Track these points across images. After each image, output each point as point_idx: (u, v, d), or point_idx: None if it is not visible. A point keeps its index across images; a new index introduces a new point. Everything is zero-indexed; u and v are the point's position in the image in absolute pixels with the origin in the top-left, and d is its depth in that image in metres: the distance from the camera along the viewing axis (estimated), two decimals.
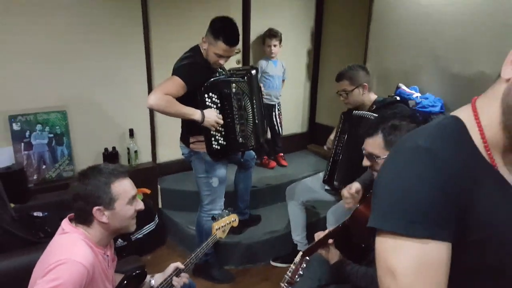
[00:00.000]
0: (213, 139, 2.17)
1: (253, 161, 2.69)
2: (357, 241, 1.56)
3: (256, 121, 2.23)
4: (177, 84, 2.01)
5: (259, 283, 2.54)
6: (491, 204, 0.67)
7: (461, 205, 0.65)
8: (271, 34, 3.32)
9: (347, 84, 2.25)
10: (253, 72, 2.24)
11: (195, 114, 2.04)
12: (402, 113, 1.56)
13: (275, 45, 3.32)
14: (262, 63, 3.37)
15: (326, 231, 1.55)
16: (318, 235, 1.55)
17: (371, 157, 1.50)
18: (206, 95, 2.11)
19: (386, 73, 2.90)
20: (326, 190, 2.50)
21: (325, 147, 2.59)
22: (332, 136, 2.49)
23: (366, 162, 1.54)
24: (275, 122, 3.50)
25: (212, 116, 2.08)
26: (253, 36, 3.48)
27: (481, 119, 0.70)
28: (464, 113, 0.72)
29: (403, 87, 2.61)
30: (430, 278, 0.64)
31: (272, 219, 2.97)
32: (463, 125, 0.71)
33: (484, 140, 0.69)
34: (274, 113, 3.49)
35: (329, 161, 2.36)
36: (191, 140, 2.24)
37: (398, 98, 2.36)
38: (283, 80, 3.51)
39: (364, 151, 1.54)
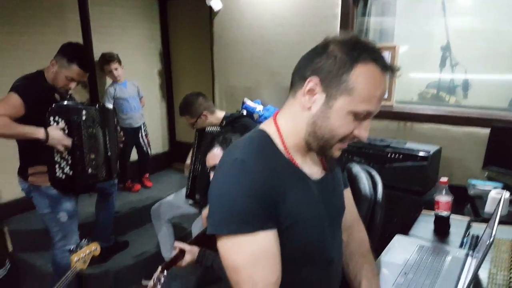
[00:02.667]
0: (57, 166, 2.04)
1: (113, 187, 2.67)
2: (214, 244, 1.72)
3: (109, 153, 2.20)
4: (14, 102, 1.89)
5: None
6: (296, 195, 0.88)
7: (274, 200, 0.83)
8: (107, 59, 3.29)
9: (189, 118, 2.49)
10: (109, 106, 2.26)
11: (37, 132, 1.92)
12: (229, 129, 1.83)
13: (116, 69, 3.30)
14: (110, 90, 3.34)
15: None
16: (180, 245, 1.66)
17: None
18: (51, 118, 1.99)
19: (232, 90, 3.23)
20: (190, 204, 2.65)
21: (184, 174, 2.74)
22: (188, 161, 2.66)
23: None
24: (142, 144, 3.52)
25: (57, 134, 1.96)
26: (96, 59, 3.40)
27: (281, 131, 0.92)
28: (269, 127, 0.94)
29: (248, 101, 2.98)
30: (267, 263, 0.82)
31: (140, 242, 2.98)
32: (268, 136, 0.92)
33: (284, 146, 0.91)
34: (140, 134, 3.49)
35: (189, 177, 2.54)
36: (30, 171, 2.09)
37: (244, 112, 2.69)
38: (141, 98, 3.54)
39: (209, 168, 1.74)
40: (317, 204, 0.93)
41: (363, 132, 0.87)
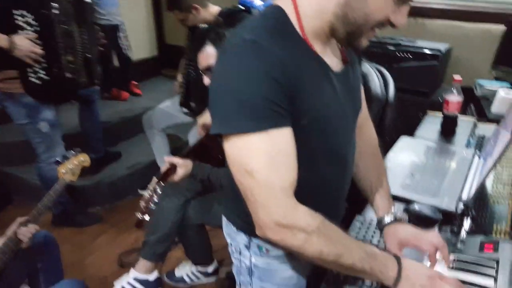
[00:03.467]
0: (30, 70, 1.84)
1: (95, 94, 2.56)
2: (215, 154, 1.68)
3: (88, 54, 2.01)
4: None
5: (130, 216, 2.60)
6: (317, 88, 0.77)
7: (291, 90, 0.71)
8: None
9: (178, 13, 2.24)
10: None
11: None
12: (223, 22, 1.66)
13: None
14: None
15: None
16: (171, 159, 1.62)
17: (210, 71, 1.59)
18: (15, 12, 1.76)
19: None
20: (184, 113, 2.58)
21: (175, 86, 2.60)
22: (179, 78, 2.49)
23: (207, 80, 1.60)
24: (121, 46, 3.28)
25: (25, 43, 1.77)
26: None
27: (300, 10, 0.75)
28: (285, 3, 0.76)
29: None
30: (283, 164, 0.73)
31: (133, 152, 2.97)
32: (285, 14, 0.75)
33: (302, 29, 0.75)
34: (118, 35, 3.25)
35: (183, 83, 2.42)
36: None
37: (241, 7, 2.46)
38: None
39: (202, 71, 1.61)
40: (338, 100, 0.84)
41: (401, 18, 0.74)
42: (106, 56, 3.16)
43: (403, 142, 1.53)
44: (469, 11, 2.32)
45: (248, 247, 0.98)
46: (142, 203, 1.42)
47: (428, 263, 0.87)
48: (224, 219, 1.07)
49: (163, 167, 1.55)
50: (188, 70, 2.39)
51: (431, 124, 1.70)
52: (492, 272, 0.83)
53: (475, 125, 1.68)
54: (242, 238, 0.98)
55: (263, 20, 0.76)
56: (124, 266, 2.09)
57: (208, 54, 1.53)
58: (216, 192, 1.69)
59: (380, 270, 0.75)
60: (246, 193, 0.75)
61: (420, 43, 2.20)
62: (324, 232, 0.74)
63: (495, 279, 0.81)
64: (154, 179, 1.47)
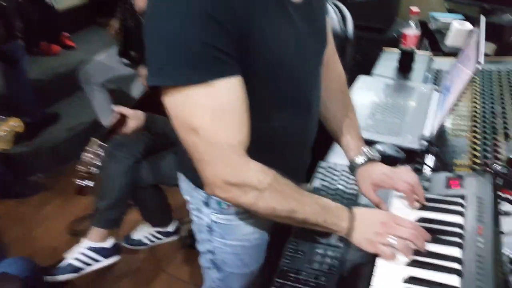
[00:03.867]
0: None
1: (19, 50, 2.27)
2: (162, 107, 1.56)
3: (3, 2, 1.77)
4: None
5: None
6: (269, 24, 0.67)
7: (238, 32, 0.62)
8: None
9: None
10: None
11: None
12: None
13: None
14: None
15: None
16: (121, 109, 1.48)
17: None
18: None
19: None
20: (125, 64, 2.38)
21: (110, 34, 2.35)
22: (113, 23, 2.25)
23: None
24: None
25: None
26: None
27: None
28: None
29: None
30: (231, 119, 0.66)
31: (73, 112, 2.75)
32: None
33: None
34: None
35: (120, 29, 2.18)
36: None
37: None
38: None
39: (139, 13, 1.44)
40: (299, 37, 0.74)
41: None
42: (24, 7, 2.83)
43: (362, 81, 1.48)
44: None
45: (207, 203, 0.93)
46: (82, 168, 1.31)
47: (405, 203, 0.85)
48: (180, 176, 1.00)
49: (112, 118, 1.42)
50: (124, 14, 2.16)
51: (388, 61, 1.66)
52: (459, 208, 0.82)
53: (431, 60, 1.66)
54: (200, 194, 0.93)
55: None
56: (77, 235, 1.98)
57: None
58: (172, 148, 1.59)
59: (333, 222, 0.74)
60: (191, 150, 0.68)
61: None
62: (276, 188, 0.71)
63: (463, 215, 0.80)
64: (93, 140, 1.34)
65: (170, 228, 1.87)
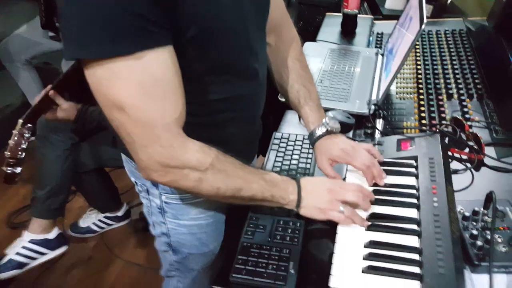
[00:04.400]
0: None
1: None
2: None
3: None
4: None
5: None
6: None
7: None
8: None
9: None
10: None
11: None
12: None
13: None
14: None
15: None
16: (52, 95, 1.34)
17: None
18: None
19: None
20: (51, 37, 2.16)
21: None
22: None
23: None
24: None
25: None
26: None
27: None
28: None
29: None
30: (162, 93, 0.59)
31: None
32: None
33: None
34: None
35: None
36: None
37: None
38: None
39: None
40: (238, 0, 0.68)
41: None
42: None
43: (306, 48, 1.46)
44: None
45: (155, 184, 0.86)
46: (8, 153, 1.19)
47: (360, 177, 0.84)
48: (123, 157, 0.92)
49: (38, 97, 1.29)
50: None
51: (331, 26, 1.65)
52: (413, 170, 0.84)
53: (372, 23, 1.67)
54: None
55: None
56: (17, 228, 1.83)
57: None
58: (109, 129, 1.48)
59: (281, 196, 0.73)
60: (120, 131, 0.61)
61: None
62: (219, 168, 0.67)
63: (417, 177, 0.81)
64: (19, 122, 1.21)
65: (120, 212, 1.78)
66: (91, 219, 1.76)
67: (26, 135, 1.17)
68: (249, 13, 0.71)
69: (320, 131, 0.86)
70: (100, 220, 1.76)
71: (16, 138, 1.15)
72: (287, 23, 0.94)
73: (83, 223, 1.77)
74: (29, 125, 1.19)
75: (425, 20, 0.95)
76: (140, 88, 0.57)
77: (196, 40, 0.62)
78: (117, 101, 0.57)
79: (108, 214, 1.76)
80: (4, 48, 2.16)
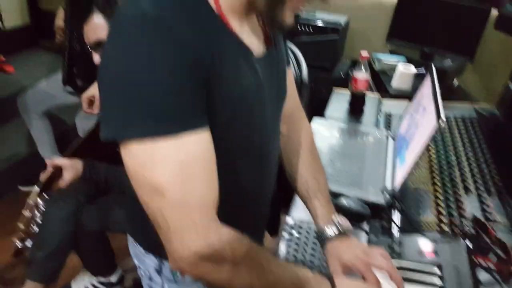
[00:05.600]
0: None
1: None
2: (111, 148, 1.35)
3: None
4: None
5: (11, 219, 2.12)
6: (236, 75, 0.59)
7: (205, 81, 0.54)
8: None
9: None
10: None
11: None
12: None
13: None
14: None
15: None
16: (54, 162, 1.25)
17: (100, 47, 1.24)
18: None
19: None
20: (69, 92, 2.12)
21: (57, 39, 2.10)
22: (59, 22, 2.01)
23: (97, 58, 1.27)
24: None
25: None
26: None
27: None
28: None
29: None
30: (200, 177, 0.54)
31: (10, 142, 2.40)
32: None
33: (218, 8, 0.58)
34: None
35: (64, 56, 1.94)
36: None
37: None
38: None
39: (90, 47, 1.26)
40: (260, 87, 0.65)
41: None
42: None
43: (316, 124, 1.39)
44: None
45: (159, 271, 0.79)
46: (22, 226, 1.08)
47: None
48: (129, 238, 0.84)
49: (45, 173, 1.19)
50: (70, 41, 1.92)
51: (339, 103, 1.60)
52: (437, 281, 0.73)
53: (380, 102, 1.62)
54: (151, 260, 0.78)
55: None
56: (7, 285, 1.67)
57: (97, 26, 1.20)
58: (115, 194, 1.37)
59: None
60: (155, 216, 0.54)
61: (318, 15, 2.07)
62: (253, 261, 0.59)
63: None
64: (35, 190, 1.12)
65: (113, 278, 1.62)
66: (84, 282, 1.60)
67: (42, 207, 1.06)
68: (269, 101, 0.69)
69: (331, 231, 0.76)
70: (92, 284, 1.60)
71: (31, 210, 1.04)
72: (299, 114, 0.91)
73: (75, 285, 1.61)
74: (45, 195, 1.09)
75: (443, 118, 0.89)
76: (181, 169, 0.53)
77: (221, 122, 0.59)
78: (157, 184, 0.52)
79: (101, 279, 1.60)
80: (24, 100, 2.12)
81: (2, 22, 2.75)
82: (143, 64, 0.50)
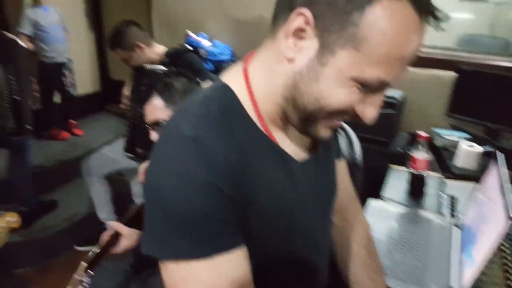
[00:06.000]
0: None
1: (26, 141, 2.17)
2: None
3: (16, 96, 1.68)
4: None
5: (66, 276, 2.20)
6: (274, 188, 0.59)
7: (245, 199, 0.55)
8: None
9: (120, 52, 2.04)
10: (8, 35, 1.71)
11: None
12: (172, 71, 1.45)
13: None
14: (29, 14, 2.67)
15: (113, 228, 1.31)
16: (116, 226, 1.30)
17: (158, 125, 1.34)
18: None
19: (173, 20, 2.71)
20: (129, 157, 2.27)
21: (121, 105, 2.31)
22: (126, 91, 2.21)
23: (154, 136, 1.37)
24: (65, 83, 2.95)
25: None
26: None
27: (254, 89, 0.59)
28: (235, 80, 0.60)
29: (192, 34, 2.50)
30: None
31: (71, 201, 2.58)
32: (234, 96, 0.58)
33: (258, 113, 0.59)
34: (64, 72, 2.93)
35: (128, 125, 2.13)
36: None
37: (189, 47, 2.25)
38: (66, 31, 2.93)
39: (148, 125, 1.36)
40: (302, 196, 0.64)
41: (371, 111, 0.55)
42: (48, 92, 2.85)
43: (372, 208, 1.34)
44: (419, 57, 2.26)
45: None
46: None
47: None
48: None
49: (105, 236, 1.24)
50: (133, 114, 2.10)
51: (396, 182, 1.54)
52: None
53: (442, 182, 1.54)
54: None
55: (208, 107, 0.57)
56: None
57: (156, 107, 1.30)
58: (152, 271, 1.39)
59: None
60: None
61: None
62: None
63: None
64: (82, 265, 1.15)
65: None
66: None
67: (86, 284, 1.09)
68: (312, 207, 0.67)
69: None
70: None
71: (75, 285, 1.07)
72: (354, 207, 0.88)
73: None
74: (91, 271, 1.11)
75: None
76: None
77: (255, 238, 0.58)
78: None
79: None
80: (87, 163, 2.29)
81: (76, 91, 3.09)
82: (178, 184, 0.51)
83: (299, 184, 0.63)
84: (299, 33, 0.53)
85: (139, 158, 2.20)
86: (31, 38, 2.67)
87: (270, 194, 0.58)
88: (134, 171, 2.27)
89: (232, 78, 0.61)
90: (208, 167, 0.52)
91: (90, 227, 2.40)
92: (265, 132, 0.60)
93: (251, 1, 2.40)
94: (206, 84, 2.01)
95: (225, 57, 2.41)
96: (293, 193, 0.62)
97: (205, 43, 2.46)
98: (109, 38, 2.05)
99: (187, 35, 2.50)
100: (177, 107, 0.64)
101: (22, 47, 1.77)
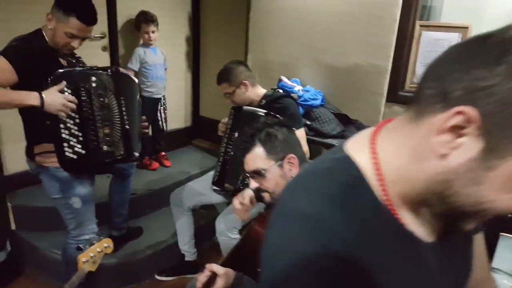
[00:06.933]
0: (66, 144, 1.74)
1: (132, 168, 2.41)
2: (252, 265, 1.44)
3: (127, 126, 1.88)
4: (1, 66, 1.60)
5: None
6: (399, 272, 0.57)
7: (366, 283, 0.53)
8: (148, 19, 3.00)
9: (226, 86, 2.23)
10: (123, 70, 1.96)
11: (29, 97, 1.60)
12: (274, 122, 1.53)
13: (153, 31, 3.03)
14: (140, 52, 3.05)
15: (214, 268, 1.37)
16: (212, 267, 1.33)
17: (258, 174, 1.41)
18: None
19: (268, 65, 2.88)
20: (215, 190, 2.39)
21: (219, 132, 2.44)
22: (225, 119, 2.36)
23: (253, 184, 1.44)
24: (159, 118, 3.26)
25: (55, 97, 1.65)
26: (120, 19, 3.12)
27: (383, 168, 0.57)
28: (360, 155, 0.58)
29: (285, 79, 2.63)
30: None
31: (155, 229, 2.74)
32: (359, 175, 0.57)
33: (385, 193, 0.56)
34: (159, 107, 3.24)
35: (219, 160, 2.28)
36: (36, 150, 1.81)
37: (281, 91, 2.37)
38: (165, 69, 3.28)
39: (248, 173, 1.44)
40: (434, 280, 0.60)
41: None
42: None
43: None
44: None
45: None
46: None
47: None
48: None
49: (201, 277, 1.30)
50: (226, 149, 2.24)
51: (508, 251, 1.41)
52: None
53: None
54: None
55: (329, 182, 0.57)
56: None
57: (257, 156, 1.37)
58: None
59: None
60: None
61: None
62: None
63: None
64: None
65: None
66: None
67: None
68: (445, 285, 0.63)
69: None
70: None
71: None
72: (489, 283, 0.81)
73: None
74: None
75: None
76: None
77: None
78: None
79: None
80: (177, 193, 2.44)
81: (167, 126, 3.37)
82: (295, 265, 0.51)
83: (430, 267, 0.60)
84: (457, 130, 0.49)
85: (226, 193, 2.30)
86: (136, 73, 3.01)
87: (393, 279, 0.56)
88: (218, 206, 2.38)
89: (355, 151, 0.60)
90: (331, 253, 0.51)
91: (171, 256, 2.52)
92: (392, 214, 0.56)
93: (344, 48, 2.47)
94: (300, 133, 2.07)
95: (317, 102, 2.48)
96: (421, 277, 0.59)
97: (297, 87, 2.56)
98: (219, 73, 2.25)
99: (280, 80, 2.64)
100: (295, 178, 0.64)
101: (135, 81, 1.99)
